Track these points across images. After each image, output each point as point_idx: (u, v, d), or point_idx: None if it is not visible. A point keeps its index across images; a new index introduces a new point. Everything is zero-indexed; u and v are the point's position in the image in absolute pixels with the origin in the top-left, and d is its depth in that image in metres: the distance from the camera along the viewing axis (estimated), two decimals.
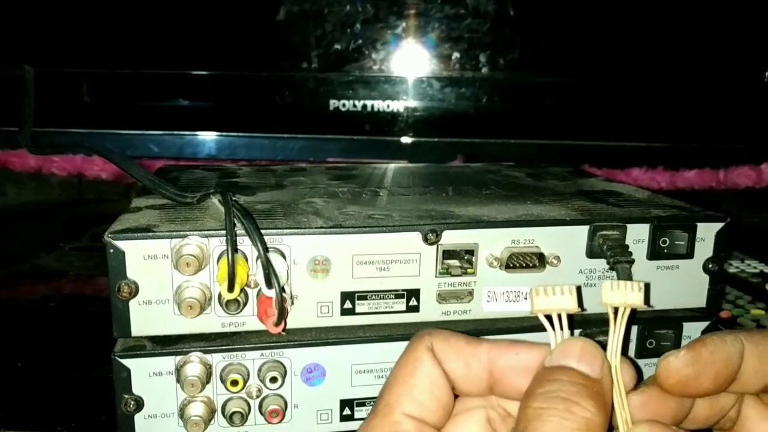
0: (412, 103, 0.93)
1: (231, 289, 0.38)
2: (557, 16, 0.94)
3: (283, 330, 0.40)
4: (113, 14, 0.91)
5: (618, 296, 0.31)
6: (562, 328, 0.31)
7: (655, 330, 0.46)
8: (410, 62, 0.92)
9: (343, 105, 0.92)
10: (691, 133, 0.97)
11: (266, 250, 0.38)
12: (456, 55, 0.92)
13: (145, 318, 0.40)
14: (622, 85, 0.96)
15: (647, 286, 0.38)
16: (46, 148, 0.76)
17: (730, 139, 0.97)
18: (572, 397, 0.27)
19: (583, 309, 0.36)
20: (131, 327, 0.40)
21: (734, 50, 0.94)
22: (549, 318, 0.31)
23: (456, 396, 0.33)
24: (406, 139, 0.94)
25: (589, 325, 0.45)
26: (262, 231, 0.39)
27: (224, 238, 0.38)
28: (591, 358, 0.29)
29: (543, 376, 0.29)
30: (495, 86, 0.94)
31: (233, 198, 0.41)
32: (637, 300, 0.31)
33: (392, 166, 0.69)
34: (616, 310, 0.32)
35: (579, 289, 0.32)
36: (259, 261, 0.38)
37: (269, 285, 0.38)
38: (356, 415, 0.44)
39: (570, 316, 0.31)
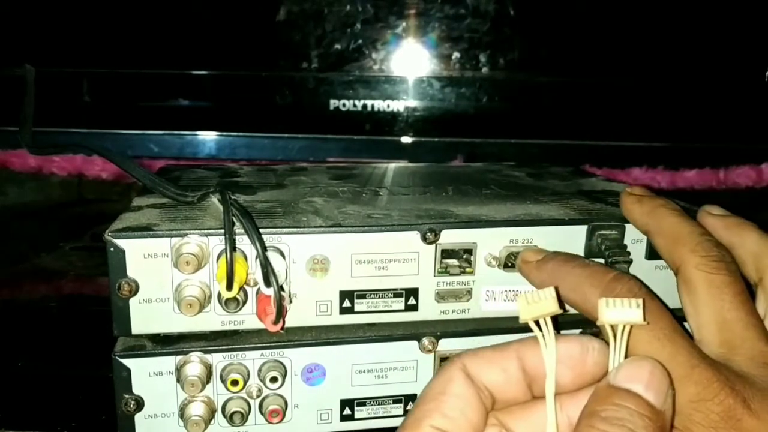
0: (412, 103, 0.93)
1: (230, 287, 0.38)
2: (557, 15, 0.94)
3: (282, 328, 0.40)
4: (113, 14, 0.91)
5: (616, 314, 0.31)
6: (549, 331, 0.31)
7: None
8: (410, 62, 0.92)
9: (343, 105, 0.92)
10: (691, 133, 0.97)
11: (264, 248, 0.38)
12: (456, 55, 0.93)
13: (146, 316, 0.40)
14: (622, 84, 0.96)
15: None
16: (46, 148, 0.76)
17: (731, 138, 0.97)
18: (638, 431, 0.28)
19: (565, 310, 0.37)
20: (131, 325, 0.40)
21: (734, 50, 0.94)
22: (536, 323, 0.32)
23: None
24: (406, 139, 0.94)
25: (590, 325, 0.45)
26: (262, 230, 0.40)
27: (223, 237, 0.38)
28: (658, 385, 0.29)
29: (608, 396, 0.29)
30: (495, 86, 0.94)
31: (232, 197, 0.41)
32: (637, 317, 0.31)
33: (392, 166, 0.69)
34: (613, 329, 0.31)
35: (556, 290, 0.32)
36: (257, 260, 0.38)
37: (267, 284, 0.38)
38: (356, 415, 0.44)
39: (555, 318, 0.32)
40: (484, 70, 0.93)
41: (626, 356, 0.31)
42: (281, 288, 0.39)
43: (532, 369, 0.32)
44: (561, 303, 0.32)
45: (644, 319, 0.31)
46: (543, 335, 0.31)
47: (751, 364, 0.34)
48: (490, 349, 0.33)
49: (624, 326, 0.31)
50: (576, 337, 0.32)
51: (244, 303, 0.41)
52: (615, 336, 0.31)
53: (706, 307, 0.36)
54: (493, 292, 0.44)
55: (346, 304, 0.43)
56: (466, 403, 0.31)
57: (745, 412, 0.32)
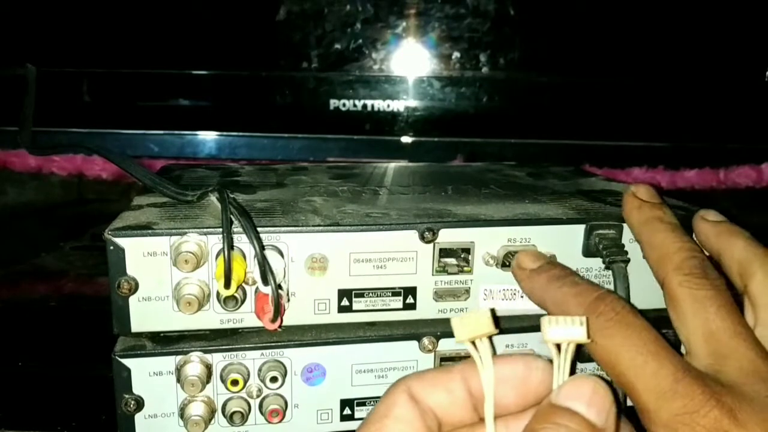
0: (412, 102, 0.93)
1: (227, 285, 0.38)
2: (557, 15, 0.94)
3: (280, 326, 0.40)
4: (114, 14, 0.91)
5: (559, 332, 0.31)
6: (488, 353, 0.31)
7: None
8: (410, 62, 0.93)
9: (344, 105, 0.92)
10: (691, 133, 0.97)
11: (262, 247, 0.38)
12: (456, 54, 0.93)
13: (145, 314, 0.40)
14: (622, 84, 0.96)
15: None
16: (46, 149, 0.76)
17: (731, 138, 0.97)
18: None
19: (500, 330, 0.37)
20: (131, 323, 0.40)
21: (734, 50, 0.94)
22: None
23: None
24: (406, 139, 0.94)
25: None
26: (260, 229, 0.40)
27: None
28: (600, 403, 0.29)
29: (548, 414, 0.29)
30: (495, 86, 0.94)
31: (230, 196, 0.41)
32: (580, 335, 0.30)
33: (392, 165, 0.69)
34: (558, 347, 0.31)
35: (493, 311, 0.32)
36: (256, 258, 0.38)
37: (265, 282, 0.38)
38: (356, 415, 0.44)
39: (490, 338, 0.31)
40: (484, 70, 0.93)
41: (571, 374, 0.30)
42: (279, 286, 0.40)
43: (478, 390, 0.31)
44: (497, 323, 0.32)
45: (588, 337, 0.31)
46: (480, 356, 0.31)
47: (740, 373, 0.34)
48: (435, 370, 0.33)
49: (568, 344, 0.30)
50: (520, 356, 0.32)
51: (243, 301, 0.41)
52: (559, 353, 0.30)
53: (692, 319, 0.37)
54: (491, 291, 0.44)
55: (345, 302, 0.43)
56: (410, 427, 0.30)
57: (732, 423, 0.31)
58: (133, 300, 0.40)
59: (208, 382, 0.41)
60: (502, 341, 0.45)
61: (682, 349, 0.38)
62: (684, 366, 0.34)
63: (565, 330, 0.30)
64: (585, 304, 0.37)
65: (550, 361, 0.31)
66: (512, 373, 0.31)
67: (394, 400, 0.31)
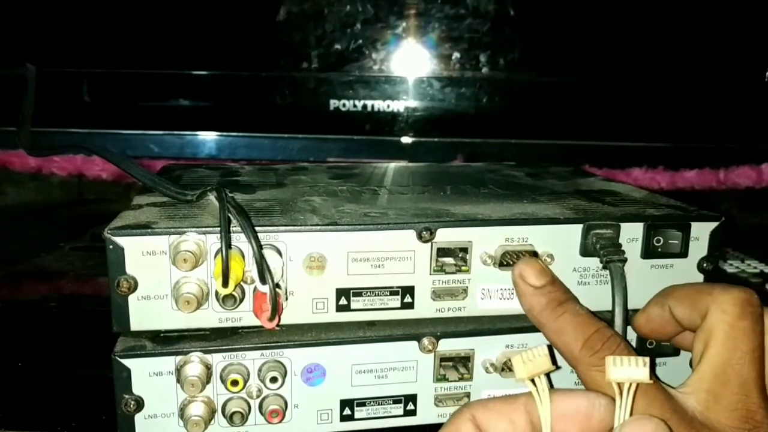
0: (412, 103, 0.93)
1: (225, 284, 0.38)
2: (557, 15, 0.94)
3: (277, 325, 0.40)
4: (113, 13, 0.91)
5: (623, 372, 0.32)
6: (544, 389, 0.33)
7: None
8: (410, 62, 0.93)
9: (344, 105, 0.92)
10: (691, 133, 0.97)
11: (260, 246, 0.38)
12: (456, 55, 0.93)
13: (144, 313, 0.40)
14: (622, 85, 0.96)
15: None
16: (44, 150, 0.76)
17: (731, 138, 0.97)
18: None
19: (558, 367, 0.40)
20: (130, 321, 0.40)
21: (734, 50, 0.94)
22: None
23: None
24: (406, 139, 0.95)
25: None
26: (259, 228, 0.40)
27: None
28: None
29: None
30: (495, 86, 0.94)
31: (228, 195, 0.41)
32: (643, 375, 0.32)
33: (392, 166, 0.69)
34: (620, 386, 0.32)
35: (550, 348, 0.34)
36: (254, 257, 0.38)
37: (263, 280, 0.38)
38: (356, 415, 0.44)
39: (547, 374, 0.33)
40: (484, 70, 0.93)
41: (632, 413, 0.32)
42: (277, 285, 0.40)
43: (539, 422, 0.33)
44: (554, 360, 0.33)
45: (650, 378, 0.32)
46: (538, 392, 0.32)
47: (730, 415, 0.35)
48: (500, 400, 0.34)
49: (630, 384, 0.32)
50: (583, 392, 0.33)
51: (242, 300, 0.41)
52: (621, 393, 0.32)
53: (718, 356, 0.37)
54: (488, 290, 0.44)
55: (343, 301, 0.43)
56: None
57: None
58: (132, 299, 0.40)
59: (208, 382, 0.41)
60: (502, 341, 0.45)
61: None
62: (672, 406, 0.34)
63: (629, 371, 0.32)
64: (582, 339, 0.38)
65: (612, 398, 0.32)
66: (575, 408, 0.32)
67: (458, 427, 0.33)
